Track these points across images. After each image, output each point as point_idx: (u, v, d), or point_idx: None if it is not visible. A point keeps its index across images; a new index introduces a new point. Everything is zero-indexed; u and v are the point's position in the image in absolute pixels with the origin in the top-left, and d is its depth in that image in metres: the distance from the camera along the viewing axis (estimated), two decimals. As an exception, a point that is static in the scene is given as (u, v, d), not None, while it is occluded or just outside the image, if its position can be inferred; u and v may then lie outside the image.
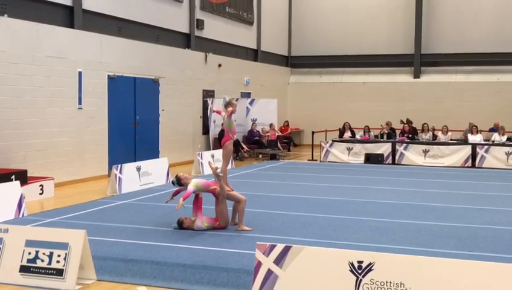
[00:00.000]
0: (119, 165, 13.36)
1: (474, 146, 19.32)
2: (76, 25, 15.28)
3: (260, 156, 22.07)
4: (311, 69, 29.41)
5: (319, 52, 28.89)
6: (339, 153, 20.54)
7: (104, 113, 16.06)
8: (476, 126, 20.68)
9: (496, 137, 20.27)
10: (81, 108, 15.18)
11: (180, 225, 9.20)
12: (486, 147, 19.22)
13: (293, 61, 29.90)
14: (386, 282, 5.40)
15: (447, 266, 5.39)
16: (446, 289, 5.25)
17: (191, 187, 9.13)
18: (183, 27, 20.58)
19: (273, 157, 21.40)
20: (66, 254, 6.62)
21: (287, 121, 26.65)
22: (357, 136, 21.65)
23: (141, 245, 8.22)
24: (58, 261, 6.63)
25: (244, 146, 21.41)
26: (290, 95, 29.36)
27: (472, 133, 20.47)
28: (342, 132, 22.19)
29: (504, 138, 20.17)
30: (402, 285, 5.35)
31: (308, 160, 21.29)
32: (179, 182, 9.33)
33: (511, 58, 25.94)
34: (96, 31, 15.91)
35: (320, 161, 20.60)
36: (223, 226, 9.28)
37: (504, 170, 18.35)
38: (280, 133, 24.12)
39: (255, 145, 22.35)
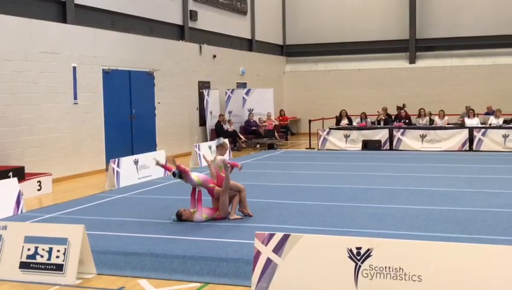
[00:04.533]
0: (117, 159, 13.34)
1: (471, 130, 19.33)
2: (69, 19, 15.21)
3: (258, 146, 22.06)
4: (306, 58, 29.33)
5: (314, 40, 28.80)
6: (336, 140, 20.54)
7: (99, 108, 16.02)
8: (473, 110, 20.69)
9: (492, 120, 20.28)
10: (76, 103, 15.14)
11: (179, 217, 9.22)
12: (483, 130, 19.22)
13: (288, 50, 29.82)
14: (385, 267, 5.42)
15: (446, 250, 5.40)
16: (445, 272, 5.27)
17: (193, 178, 9.18)
18: (176, 19, 20.50)
19: (270, 146, 21.39)
20: (65, 249, 6.63)
21: (283, 110, 26.60)
22: (354, 123, 21.65)
23: (140, 238, 8.23)
24: (57, 257, 6.63)
25: (241, 136, 21.55)
26: (286, 84, 29.31)
27: (469, 117, 20.47)
28: (338, 120, 22.18)
29: (501, 121, 20.18)
30: (401, 270, 5.37)
31: (306, 148, 21.28)
32: (181, 175, 9.27)
33: (506, 41, 25.90)
34: (89, 25, 15.84)
35: (318, 149, 20.59)
36: (222, 216, 9.30)
37: (501, 152, 18.37)
38: (277, 123, 24.09)
39: (252, 136, 22.34)
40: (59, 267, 6.59)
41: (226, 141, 10.05)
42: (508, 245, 5.49)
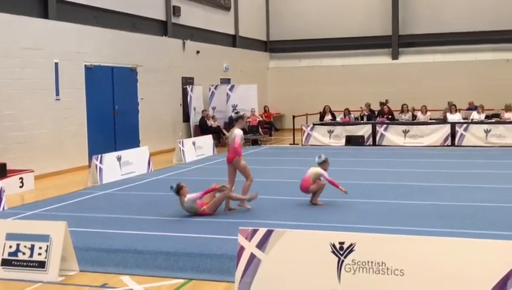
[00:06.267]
0: (100, 156, 13.26)
1: (453, 125, 19.48)
2: (51, 15, 15.08)
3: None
4: (290, 54, 29.36)
5: (298, 36, 28.82)
6: (320, 136, 20.60)
7: (82, 104, 15.91)
8: (455, 105, 20.83)
9: (474, 115, 20.43)
10: (58, 99, 15.02)
11: (178, 189, 9.23)
12: (465, 125, 19.38)
13: (271, 46, 29.82)
14: (368, 262, 5.44)
15: (428, 244, 5.43)
16: (427, 266, 5.30)
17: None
18: (159, 14, 20.40)
19: (254, 142, 21.40)
20: (47, 246, 6.58)
21: (267, 106, 26.60)
22: (338, 119, 21.71)
23: (123, 235, 8.20)
24: (39, 254, 6.59)
25: (225, 132, 21.51)
26: (270, 80, 29.31)
27: (451, 112, 20.61)
28: (322, 115, 22.23)
29: (483, 116, 20.34)
30: (383, 264, 5.39)
31: (290, 144, 21.31)
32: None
33: (487, 37, 26.10)
34: (72, 20, 15.71)
35: (302, 145, 20.64)
36: (207, 213, 9.29)
37: (483, 147, 18.54)
38: (261, 119, 24.09)
39: (236, 131, 22.27)
40: (41, 265, 6.55)
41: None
42: (490, 239, 5.55)
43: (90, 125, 16.14)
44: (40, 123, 14.44)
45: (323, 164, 10.23)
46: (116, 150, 15.29)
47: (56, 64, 14.90)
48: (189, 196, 9.24)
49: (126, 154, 14.24)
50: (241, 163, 9.80)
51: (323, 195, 10.86)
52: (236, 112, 10.27)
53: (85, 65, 16.01)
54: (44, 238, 6.61)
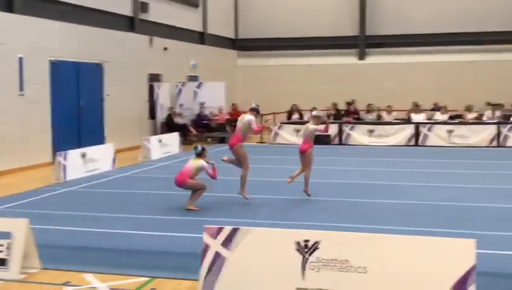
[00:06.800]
0: (64, 152, 13.08)
1: (417, 125, 19.78)
2: (16, 9, 14.80)
3: (209, 139, 21.99)
4: (258, 52, 29.37)
5: (266, 35, 28.84)
6: (287, 135, 20.68)
7: (46, 100, 15.65)
8: (419, 105, 21.14)
9: (438, 116, 20.77)
10: (22, 95, 14.75)
11: (202, 151, 9.90)
12: (429, 125, 19.70)
13: (240, 44, 29.81)
14: (332, 260, 5.49)
15: (391, 242, 5.50)
16: (390, 264, 5.37)
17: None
18: (126, 10, 20.20)
19: (222, 140, 21.36)
20: (8, 243, 6.47)
21: (235, 104, 26.54)
22: (305, 118, 21.80)
23: (86, 232, 8.12)
24: (1, 251, 6.47)
25: (192, 130, 21.44)
26: (238, 78, 29.27)
27: (416, 113, 20.91)
28: (290, 114, 22.31)
29: (446, 117, 20.69)
30: (347, 262, 5.45)
31: (257, 143, 21.33)
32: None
33: (453, 39, 26.53)
34: (37, 15, 15.43)
35: (269, 144, 20.68)
36: (190, 185, 9.72)
37: (446, 147, 18.86)
38: (228, 116, 24.03)
39: (203, 129, 22.23)
40: (2, 262, 6.44)
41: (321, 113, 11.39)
42: (451, 237, 5.64)
43: (55, 121, 15.90)
44: (3, 119, 14.16)
45: (315, 118, 10.96)
46: (80, 147, 15.08)
47: (20, 59, 14.63)
48: (205, 162, 9.73)
49: (91, 151, 14.08)
50: (242, 150, 10.23)
51: (292, 193, 10.94)
52: (257, 105, 11.33)
53: (50, 60, 15.76)
54: (6, 235, 6.50)
